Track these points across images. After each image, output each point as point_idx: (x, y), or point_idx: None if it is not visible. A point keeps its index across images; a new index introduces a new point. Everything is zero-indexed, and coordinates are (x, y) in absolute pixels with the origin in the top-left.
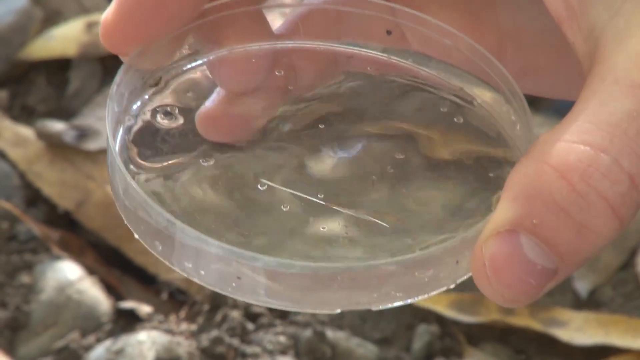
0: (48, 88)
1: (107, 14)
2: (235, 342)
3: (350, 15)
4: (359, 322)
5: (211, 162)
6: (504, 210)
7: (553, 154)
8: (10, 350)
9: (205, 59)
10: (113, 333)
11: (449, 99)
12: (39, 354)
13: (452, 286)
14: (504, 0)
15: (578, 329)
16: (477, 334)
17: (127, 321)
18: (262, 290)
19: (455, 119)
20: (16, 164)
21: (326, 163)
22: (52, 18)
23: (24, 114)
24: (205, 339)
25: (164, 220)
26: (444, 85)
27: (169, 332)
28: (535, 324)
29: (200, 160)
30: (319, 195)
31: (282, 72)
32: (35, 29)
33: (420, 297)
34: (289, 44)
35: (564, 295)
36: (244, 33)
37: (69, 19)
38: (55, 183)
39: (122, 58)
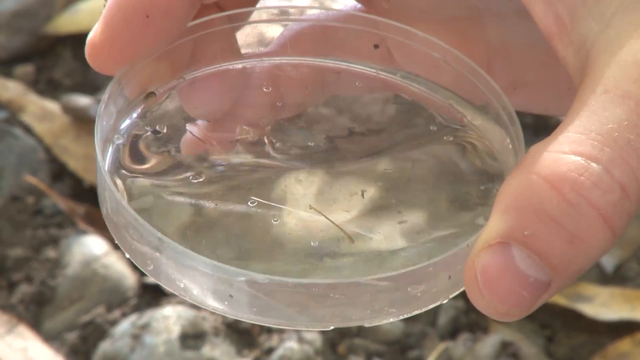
0: (74, 62)
1: (93, 34)
2: None
3: (338, 30)
4: None
5: (201, 179)
6: (495, 222)
7: (543, 164)
8: (36, 324)
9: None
10: (138, 308)
11: (438, 115)
12: (65, 329)
13: (446, 301)
14: (491, 16)
15: (603, 304)
16: None
17: (153, 296)
18: (255, 308)
19: (445, 137)
20: (42, 138)
21: (315, 178)
22: None
23: (50, 88)
24: None
25: (154, 239)
26: (433, 102)
27: (195, 306)
28: (560, 299)
29: (190, 178)
30: (309, 209)
31: (270, 89)
32: (62, 3)
33: (414, 313)
34: (277, 60)
35: (590, 270)
36: (220, 54)
37: None
38: (81, 157)
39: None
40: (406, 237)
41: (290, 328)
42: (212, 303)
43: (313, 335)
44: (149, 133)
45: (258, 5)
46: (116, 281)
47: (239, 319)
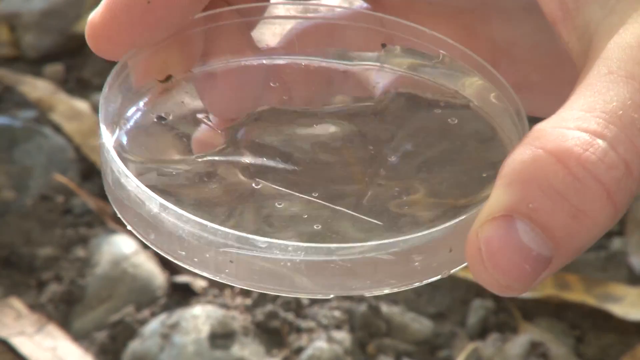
0: (103, 61)
1: (94, 15)
2: (290, 316)
3: (345, 28)
4: (414, 296)
5: (206, 159)
6: (499, 195)
7: (549, 139)
8: (65, 323)
9: (194, 74)
10: (168, 307)
11: (444, 101)
12: (94, 328)
13: (446, 275)
14: (498, 14)
15: (633, 304)
16: (532, 309)
17: (182, 295)
18: (256, 276)
19: (449, 120)
20: (71, 137)
21: (321, 163)
22: None
23: (79, 87)
24: (259, 313)
25: (155, 206)
26: (439, 90)
27: (224, 306)
28: (590, 299)
29: (195, 157)
30: (313, 194)
31: (277, 84)
32: (91, 2)
33: (414, 285)
34: (284, 58)
35: (619, 270)
36: (231, 49)
37: None
38: None
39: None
40: (408, 221)
41: (291, 296)
42: (213, 270)
43: (342, 335)
44: (154, 119)
45: (270, 1)
46: (145, 280)
47: (241, 286)
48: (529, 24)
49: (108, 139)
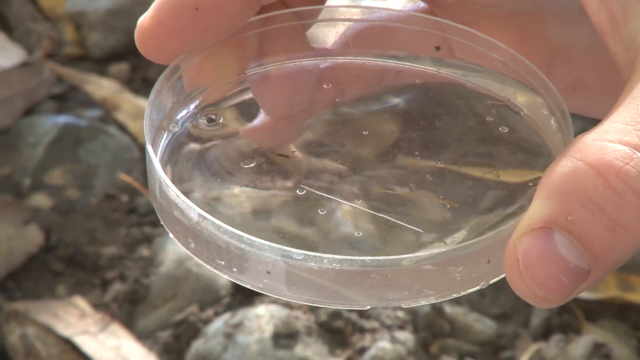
0: None
1: (143, 19)
2: (353, 316)
3: (400, 31)
4: (478, 297)
5: (252, 165)
6: (538, 207)
7: (589, 152)
8: (129, 323)
9: (248, 76)
10: (231, 307)
11: (495, 108)
12: (158, 327)
13: (485, 286)
14: (553, 16)
15: None
16: (596, 310)
17: (246, 295)
18: (294, 286)
19: (500, 129)
20: (136, 137)
21: (366, 170)
22: None
23: (144, 87)
24: (323, 314)
25: (195, 215)
26: (490, 97)
27: (287, 306)
28: None
29: (241, 163)
30: (356, 201)
31: (330, 86)
32: None
33: (452, 296)
34: (339, 59)
35: None
36: (285, 50)
37: None
38: None
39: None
40: (451, 229)
41: (327, 306)
42: (251, 280)
43: (405, 335)
44: (204, 122)
45: (325, 4)
46: (209, 280)
47: (277, 297)
48: (584, 26)
49: (152, 145)
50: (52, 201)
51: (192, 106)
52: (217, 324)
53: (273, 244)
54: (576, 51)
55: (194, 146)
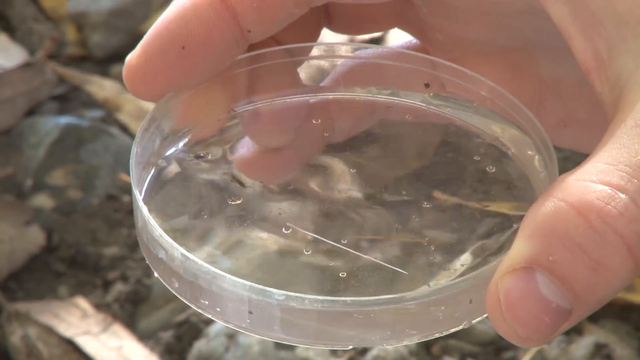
0: None
1: (131, 57)
2: None
3: (389, 68)
4: None
5: (238, 202)
6: (520, 247)
7: (571, 192)
8: (131, 323)
9: (237, 113)
10: None
11: (483, 147)
12: (160, 328)
13: (468, 326)
14: (544, 52)
15: None
16: (597, 311)
17: None
18: (276, 326)
19: (487, 168)
20: None
21: (353, 209)
22: None
23: None
24: None
25: (178, 255)
26: (479, 135)
27: None
28: None
29: (228, 200)
30: (342, 241)
31: (320, 121)
32: (158, 2)
33: (435, 335)
34: (329, 95)
35: None
36: (275, 87)
37: None
38: None
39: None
40: (435, 270)
41: (310, 346)
42: (234, 320)
43: None
44: (192, 158)
45: (317, 41)
46: None
47: (261, 336)
48: (574, 61)
49: (137, 184)
50: (53, 201)
51: (181, 143)
52: (219, 325)
53: (255, 285)
54: (567, 86)
55: (181, 182)
